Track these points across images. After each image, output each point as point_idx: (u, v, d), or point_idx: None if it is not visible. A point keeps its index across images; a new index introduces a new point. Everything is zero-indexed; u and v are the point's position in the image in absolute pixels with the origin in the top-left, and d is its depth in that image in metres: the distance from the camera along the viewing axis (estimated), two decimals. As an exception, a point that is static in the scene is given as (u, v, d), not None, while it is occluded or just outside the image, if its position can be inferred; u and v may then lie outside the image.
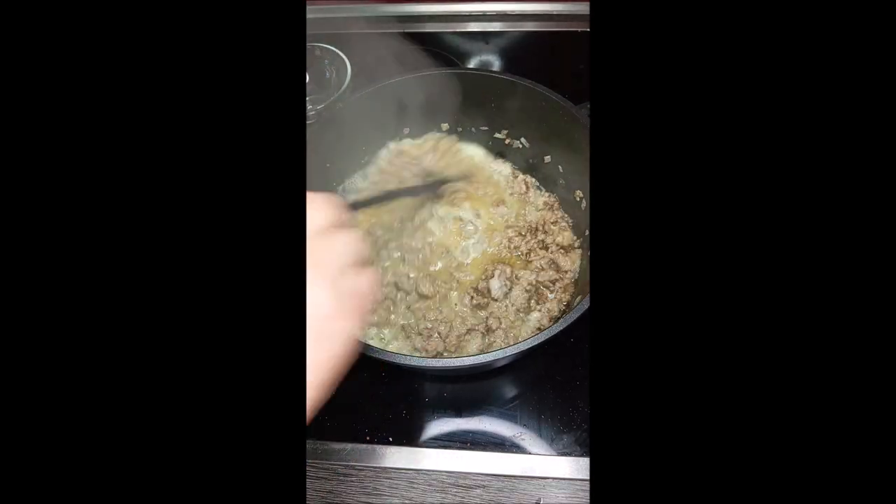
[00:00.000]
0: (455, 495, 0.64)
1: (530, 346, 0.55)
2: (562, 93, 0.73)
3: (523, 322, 0.72)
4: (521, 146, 0.84)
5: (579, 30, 1.07)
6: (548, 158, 0.81)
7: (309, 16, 1.05)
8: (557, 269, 0.75)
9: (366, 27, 1.08)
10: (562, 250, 0.76)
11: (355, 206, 0.58)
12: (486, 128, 0.84)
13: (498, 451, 0.66)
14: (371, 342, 0.67)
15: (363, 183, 0.83)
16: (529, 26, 1.09)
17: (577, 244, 0.77)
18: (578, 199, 0.77)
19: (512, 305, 0.72)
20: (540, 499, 0.63)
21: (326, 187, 0.78)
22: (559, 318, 0.57)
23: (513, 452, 0.66)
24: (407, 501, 0.63)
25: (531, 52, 1.07)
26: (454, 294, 0.73)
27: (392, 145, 0.83)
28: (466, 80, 0.78)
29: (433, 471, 0.65)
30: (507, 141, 0.84)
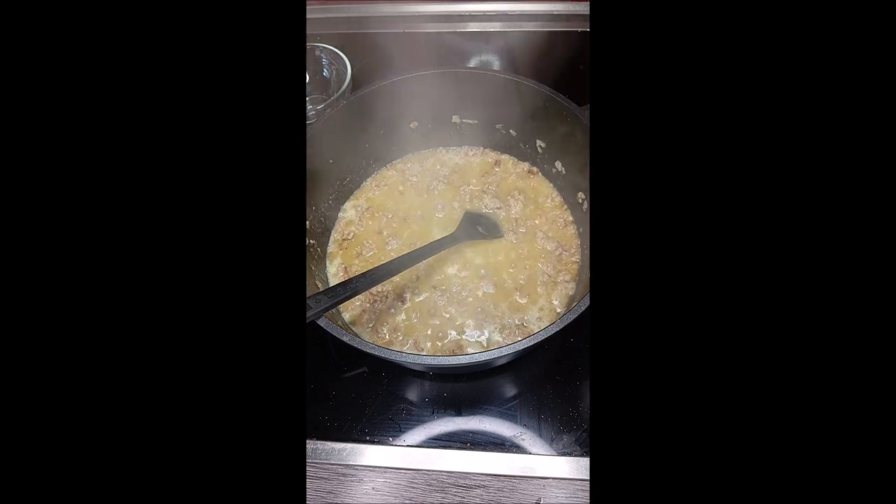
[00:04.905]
0: (455, 495, 0.64)
1: (530, 345, 0.55)
2: (562, 93, 0.73)
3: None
4: (524, 145, 0.84)
5: (579, 30, 1.07)
6: (558, 164, 0.81)
7: (309, 16, 1.05)
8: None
9: (366, 27, 1.08)
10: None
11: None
12: (500, 123, 0.84)
13: (498, 451, 0.66)
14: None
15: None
16: (529, 26, 1.09)
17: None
18: (580, 200, 0.77)
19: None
20: (540, 499, 0.63)
21: (326, 187, 0.78)
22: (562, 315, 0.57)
23: (513, 452, 0.66)
24: (407, 501, 0.63)
25: (531, 52, 1.06)
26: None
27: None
28: (467, 79, 0.78)
29: (433, 471, 0.65)
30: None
